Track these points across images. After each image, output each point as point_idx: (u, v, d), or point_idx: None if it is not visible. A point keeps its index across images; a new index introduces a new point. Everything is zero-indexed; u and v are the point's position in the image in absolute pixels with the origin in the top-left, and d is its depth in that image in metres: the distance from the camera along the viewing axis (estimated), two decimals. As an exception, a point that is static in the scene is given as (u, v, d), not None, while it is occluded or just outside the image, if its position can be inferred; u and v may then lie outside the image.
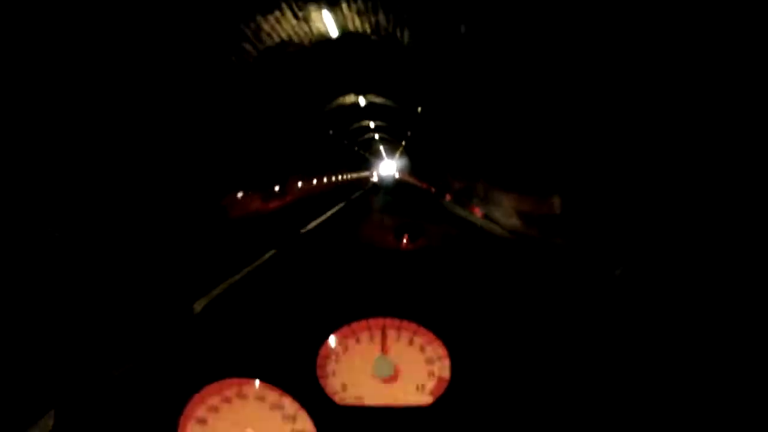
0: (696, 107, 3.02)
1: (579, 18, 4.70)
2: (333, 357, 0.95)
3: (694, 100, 3.05)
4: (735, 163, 2.66)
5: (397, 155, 40.66)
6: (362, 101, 19.68)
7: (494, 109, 8.58)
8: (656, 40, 3.45)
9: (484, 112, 9.24)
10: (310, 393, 0.86)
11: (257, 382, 0.86)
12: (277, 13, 8.49)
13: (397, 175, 36.62)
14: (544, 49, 5.74)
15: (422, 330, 0.95)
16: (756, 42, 2.47)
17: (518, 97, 7.29)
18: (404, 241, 3.88)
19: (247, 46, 8.93)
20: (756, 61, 2.49)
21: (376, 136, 33.62)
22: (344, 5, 8.85)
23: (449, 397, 0.90)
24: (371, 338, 0.95)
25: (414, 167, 29.11)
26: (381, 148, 42.10)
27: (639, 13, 3.66)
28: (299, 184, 16.29)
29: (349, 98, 18.75)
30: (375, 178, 44.01)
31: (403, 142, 30.20)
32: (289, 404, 0.85)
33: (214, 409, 0.85)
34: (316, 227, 6.47)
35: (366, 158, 42.83)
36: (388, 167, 49.22)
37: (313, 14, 8.93)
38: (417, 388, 0.93)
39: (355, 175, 36.99)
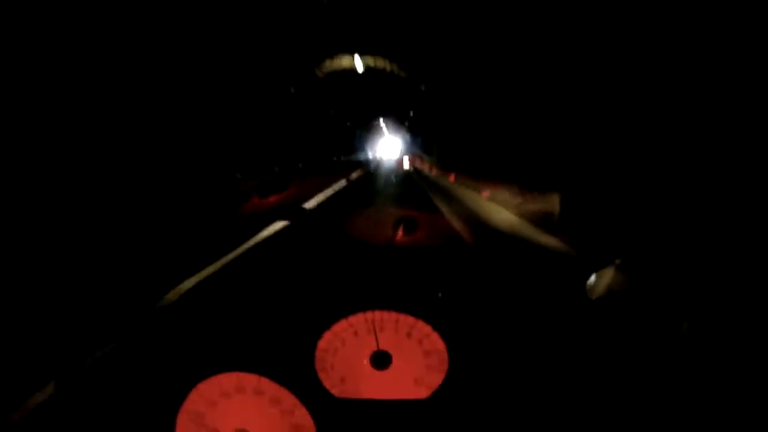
0: (696, 107, 3.02)
1: (579, 16, 4.68)
2: (331, 351, 0.95)
3: (693, 101, 3.05)
4: (735, 163, 2.66)
5: (404, 131, 28.61)
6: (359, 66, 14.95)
7: (494, 106, 8.56)
8: (656, 40, 3.44)
9: (484, 109, 9.22)
10: (308, 386, 0.86)
11: (255, 376, 0.86)
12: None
13: (406, 164, 22.99)
14: (544, 48, 5.73)
15: (420, 323, 0.95)
16: (756, 42, 2.46)
17: (517, 95, 7.27)
18: (401, 234, 3.88)
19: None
20: (756, 61, 2.49)
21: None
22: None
23: (447, 389, 0.91)
24: (369, 332, 0.95)
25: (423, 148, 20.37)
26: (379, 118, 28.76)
27: (638, 13, 3.65)
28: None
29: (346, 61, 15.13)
30: (370, 160, 30.85)
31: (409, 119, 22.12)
32: (288, 398, 0.85)
33: (213, 403, 0.85)
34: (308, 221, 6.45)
35: (356, 133, 28.97)
36: (390, 148, 33.07)
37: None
38: (415, 381, 0.94)
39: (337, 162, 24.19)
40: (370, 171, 21.38)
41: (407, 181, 13.81)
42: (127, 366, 1.07)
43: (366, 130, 32.41)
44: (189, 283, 3.04)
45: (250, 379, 0.85)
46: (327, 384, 0.93)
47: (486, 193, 7.71)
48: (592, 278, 1.91)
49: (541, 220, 5.17)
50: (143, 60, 6.11)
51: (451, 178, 10.51)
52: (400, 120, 26.73)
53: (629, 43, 3.86)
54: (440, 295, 1.16)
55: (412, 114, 21.30)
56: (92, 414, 0.95)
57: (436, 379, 0.93)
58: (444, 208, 6.82)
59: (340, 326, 0.97)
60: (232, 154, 9.83)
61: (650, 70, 3.57)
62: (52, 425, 1.17)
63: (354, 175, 13.44)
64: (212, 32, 7.52)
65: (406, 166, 21.89)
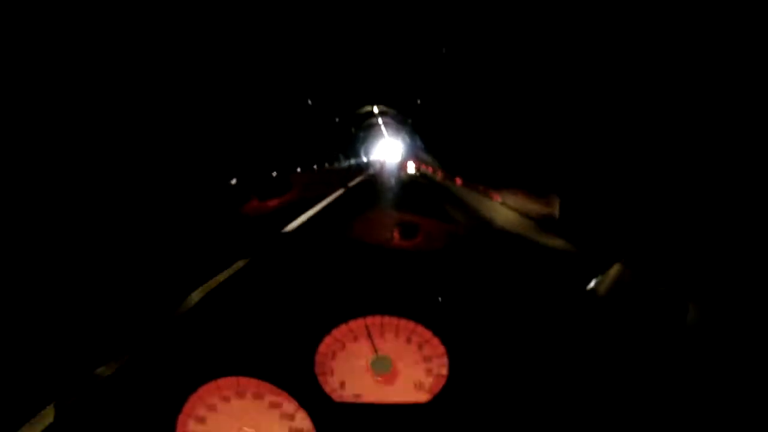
0: (696, 107, 3.03)
1: (578, 16, 4.70)
2: (331, 355, 0.95)
3: (693, 100, 3.05)
4: (735, 163, 2.67)
5: (405, 132, 24.64)
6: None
7: (493, 107, 8.57)
8: (656, 40, 3.45)
9: (483, 109, 9.23)
10: (308, 391, 0.86)
11: (255, 380, 0.86)
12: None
13: (411, 168, 19.61)
14: (544, 48, 5.74)
15: (420, 328, 0.95)
16: (756, 42, 2.47)
17: (517, 95, 7.28)
18: (401, 238, 3.89)
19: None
20: (756, 60, 2.49)
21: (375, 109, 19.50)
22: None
23: (447, 394, 0.91)
24: (368, 337, 0.95)
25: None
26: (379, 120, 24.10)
27: (638, 12, 3.66)
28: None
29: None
30: (369, 164, 26.43)
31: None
32: (288, 402, 0.85)
33: (213, 408, 0.85)
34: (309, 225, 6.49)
35: (350, 133, 24.00)
36: (391, 150, 29.26)
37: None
38: (415, 385, 0.94)
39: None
40: (371, 177, 18.86)
41: (418, 192, 12.02)
42: (132, 375, 1.07)
43: (362, 128, 28.38)
44: (200, 292, 3.04)
45: (249, 384, 0.85)
46: (327, 388, 0.93)
47: (497, 197, 7.66)
48: (598, 278, 1.91)
49: (542, 221, 5.17)
50: (141, 64, 6.13)
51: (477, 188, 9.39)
52: (402, 115, 22.11)
53: (626, 45, 3.87)
54: (440, 299, 1.16)
55: (417, 104, 17.10)
56: (92, 418, 0.95)
57: (437, 384, 0.93)
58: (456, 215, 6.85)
59: (340, 331, 0.97)
60: (229, 157, 9.79)
61: (648, 70, 3.57)
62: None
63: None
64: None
65: (411, 171, 19.27)
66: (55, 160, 4.67)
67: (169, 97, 7.58)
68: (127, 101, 6.11)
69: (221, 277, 3.51)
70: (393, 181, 15.02)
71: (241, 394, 0.85)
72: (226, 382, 0.85)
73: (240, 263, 3.95)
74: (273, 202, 9.50)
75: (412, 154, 24.47)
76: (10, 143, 4.01)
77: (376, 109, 21.79)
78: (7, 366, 1.80)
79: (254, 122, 11.88)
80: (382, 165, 28.68)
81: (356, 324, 0.96)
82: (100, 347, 1.84)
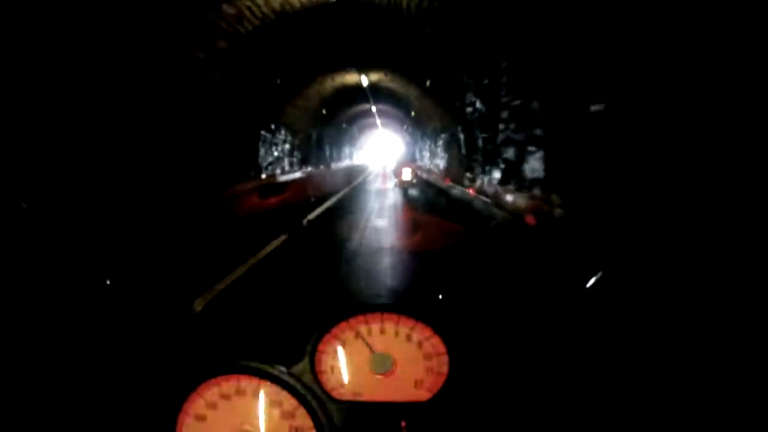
0: (693, 107, 3.03)
1: (578, 16, 4.69)
2: (331, 353, 0.95)
3: (691, 100, 3.05)
4: (731, 163, 2.67)
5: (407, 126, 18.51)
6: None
7: (494, 105, 8.56)
8: (655, 40, 3.44)
9: (487, 107, 9.21)
10: (308, 389, 0.86)
11: (255, 378, 0.86)
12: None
13: (408, 174, 15.39)
14: (544, 46, 5.74)
15: (420, 326, 0.95)
16: (754, 42, 2.47)
17: (517, 93, 7.28)
18: (401, 237, 3.90)
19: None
20: (754, 60, 2.49)
21: (363, 81, 13.48)
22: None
23: (447, 392, 0.91)
24: (368, 335, 0.95)
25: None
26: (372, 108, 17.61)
27: (638, 12, 3.65)
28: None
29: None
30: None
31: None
32: (288, 400, 0.85)
33: (213, 406, 0.85)
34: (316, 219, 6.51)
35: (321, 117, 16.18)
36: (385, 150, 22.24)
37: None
38: (415, 383, 0.94)
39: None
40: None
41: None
42: (127, 368, 1.07)
43: (345, 119, 19.21)
44: (214, 291, 3.03)
45: (250, 382, 0.85)
46: (327, 387, 0.93)
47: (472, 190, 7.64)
48: (597, 276, 1.91)
49: (540, 219, 5.17)
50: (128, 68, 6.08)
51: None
52: (418, 87, 14.08)
53: (625, 48, 3.87)
54: (440, 296, 1.16)
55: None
56: (93, 415, 0.95)
57: (437, 382, 0.93)
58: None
59: (340, 328, 0.97)
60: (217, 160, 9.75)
61: (647, 73, 3.57)
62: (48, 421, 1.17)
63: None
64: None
65: (408, 176, 15.87)
66: (62, 166, 4.65)
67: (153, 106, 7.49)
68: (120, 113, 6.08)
69: (239, 270, 3.50)
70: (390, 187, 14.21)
71: (241, 393, 0.85)
72: (227, 381, 0.85)
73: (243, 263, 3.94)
74: (272, 200, 9.50)
75: (409, 156, 20.33)
76: (13, 151, 3.99)
77: (365, 81, 13.74)
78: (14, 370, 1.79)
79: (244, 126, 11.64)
80: (383, 167, 25.92)
81: (356, 321, 0.96)
82: (107, 346, 1.83)
